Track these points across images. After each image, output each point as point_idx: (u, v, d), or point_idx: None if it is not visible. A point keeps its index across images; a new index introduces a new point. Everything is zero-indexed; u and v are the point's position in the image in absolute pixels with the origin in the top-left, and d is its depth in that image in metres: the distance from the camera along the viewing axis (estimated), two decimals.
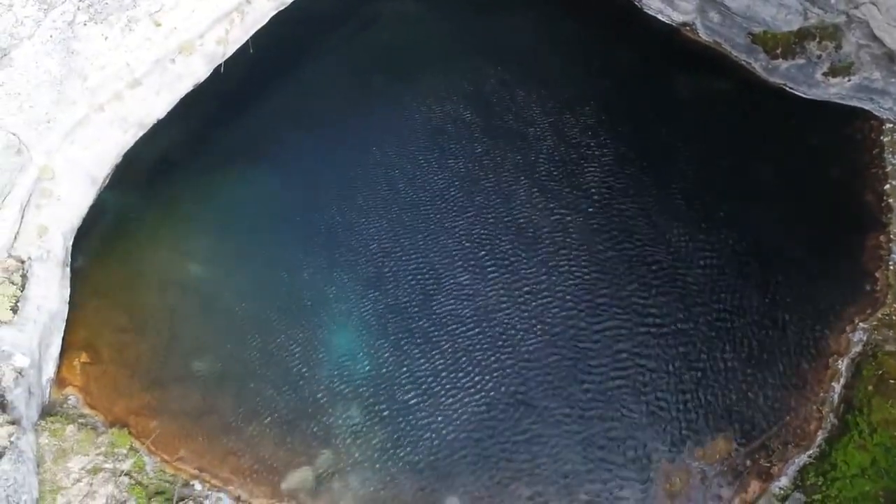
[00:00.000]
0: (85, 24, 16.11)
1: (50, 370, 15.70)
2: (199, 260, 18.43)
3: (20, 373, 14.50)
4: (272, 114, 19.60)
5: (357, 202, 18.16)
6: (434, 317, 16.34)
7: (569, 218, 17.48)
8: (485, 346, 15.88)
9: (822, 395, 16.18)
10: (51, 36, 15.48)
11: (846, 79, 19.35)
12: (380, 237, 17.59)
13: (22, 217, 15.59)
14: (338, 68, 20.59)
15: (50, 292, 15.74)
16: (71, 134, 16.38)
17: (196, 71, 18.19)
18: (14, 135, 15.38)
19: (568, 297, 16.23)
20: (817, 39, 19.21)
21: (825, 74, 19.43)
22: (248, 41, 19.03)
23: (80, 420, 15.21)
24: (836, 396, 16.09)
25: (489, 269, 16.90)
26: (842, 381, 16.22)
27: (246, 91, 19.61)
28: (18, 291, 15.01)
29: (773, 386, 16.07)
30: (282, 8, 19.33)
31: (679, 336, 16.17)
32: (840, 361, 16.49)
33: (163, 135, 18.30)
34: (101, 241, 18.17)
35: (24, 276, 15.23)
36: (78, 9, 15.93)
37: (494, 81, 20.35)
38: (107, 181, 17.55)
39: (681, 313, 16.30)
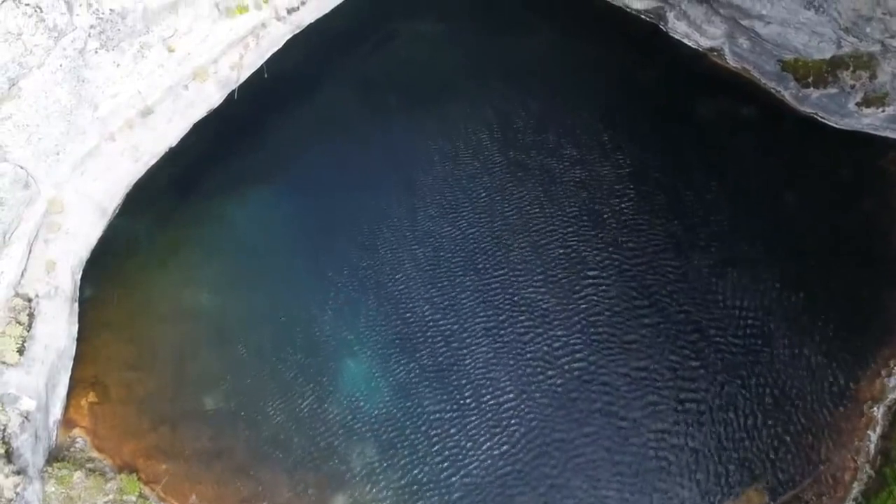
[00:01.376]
0: (96, 52, 15.56)
1: (57, 411, 15.17)
2: (210, 289, 17.86)
3: (27, 417, 13.97)
4: (286, 139, 19.04)
5: (374, 232, 17.58)
6: (455, 356, 15.70)
7: (594, 267, 16.83)
8: (509, 390, 15.28)
9: (857, 443, 15.56)
10: (61, 65, 14.90)
11: (880, 109, 18.72)
12: (399, 271, 16.97)
13: (29, 253, 15.06)
14: (353, 92, 20.02)
15: (58, 330, 15.22)
16: (81, 165, 15.88)
17: (210, 97, 17.70)
18: (22, 168, 14.83)
19: (596, 344, 15.56)
20: (851, 69, 18.57)
21: (858, 104, 18.81)
22: (262, 65, 18.55)
23: (87, 465, 14.68)
24: (872, 446, 15.48)
25: (514, 315, 16.28)
26: (878, 429, 15.59)
27: (260, 116, 19.05)
28: (25, 331, 14.47)
29: (806, 434, 15.43)
30: (297, 31, 18.84)
31: (707, 381, 15.52)
32: (875, 408, 15.87)
33: (174, 160, 17.81)
34: (111, 270, 17.55)
35: (31, 315, 14.69)
36: (89, 35, 15.35)
37: (516, 106, 19.72)
38: (117, 211, 17.05)
39: (708, 357, 15.66)
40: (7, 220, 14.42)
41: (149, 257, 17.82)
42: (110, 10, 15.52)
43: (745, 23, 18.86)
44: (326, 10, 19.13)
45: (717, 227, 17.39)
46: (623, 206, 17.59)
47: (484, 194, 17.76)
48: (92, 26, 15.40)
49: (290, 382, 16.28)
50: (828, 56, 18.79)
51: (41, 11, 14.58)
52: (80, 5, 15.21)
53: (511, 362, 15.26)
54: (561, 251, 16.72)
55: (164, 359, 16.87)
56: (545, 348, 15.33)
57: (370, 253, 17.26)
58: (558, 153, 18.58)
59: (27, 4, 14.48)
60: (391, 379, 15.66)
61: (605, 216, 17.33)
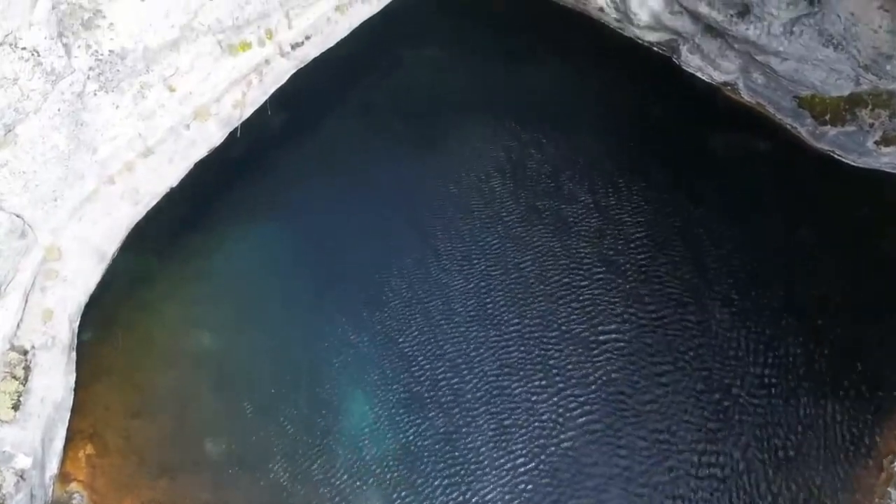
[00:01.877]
0: (95, 94, 15.12)
1: (53, 466, 14.72)
2: (213, 331, 17.38)
3: (22, 476, 13.55)
4: (290, 177, 18.57)
5: (383, 282, 17.01)
6: (468, 415, 15.13)
7: (610, 316, 16.26)
8: (524, 453, 14.75)
9: (876, 501, 15.11)
10: (59, 109, 14.46)
11: None
12: (409, 324, 16.38)
13: (25, 303, 14.65)
14: (358, 127, 19.54)
15: (55, 382, 14.78)
16: (79, 210, 15.45)
17: (211, 136, 17.26)
18: (18, 216, 14.40)
19: (614, 404, 14.93)
20: (870, 107, 18.08)
21: (877, 143, 18.30)
22: (266, 101, 18.12)
23: None
24: (892, 503, 15.03)
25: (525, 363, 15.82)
26: None
27: (263, 153, 18.61)
28: (21, 386, 14.06)
29: (821, 491, 14.97)
30: (302, 66, 18.40)
31: (728, 443, 14.96)
32: None
33: (175, 201, 17.35)
34: (110, 313, 17.10)
35: (26, 368, 14.28)
36: (88, 78, 14.91)
37: (527, 144, 19.16)
38: (116, 254, 16.62)
39: (729, 417, 15.13)
40: (3, 272, 14.01)
41: (149, 299, 17.39)
42: (109, 51, 15.11)
43: (760, 58, 18.38)
44: (331, 44, 18.70)
45: (737, 273, 16.82)
46: (640, 255, 17.02)
47: (496, 243, 17.22)
48: (91, 68, 14.98)
49: (295, 435, 15.76)
50: (846, 93, 18.29)
51: (38, 55, 14.14)
52: (79, 47, 14.80)
53: (525, 423, 14.73)
54: (576, 305, 16.18)
55: (164, 405, 16.44)
56: (560, 409, 14.79)
57: (379, 304, 16.71)
58: (573, 198, 18.04)
59: (24, 48, 14.03)
60: (401, 438, 15.16)
61: (622, 267, 16.77)
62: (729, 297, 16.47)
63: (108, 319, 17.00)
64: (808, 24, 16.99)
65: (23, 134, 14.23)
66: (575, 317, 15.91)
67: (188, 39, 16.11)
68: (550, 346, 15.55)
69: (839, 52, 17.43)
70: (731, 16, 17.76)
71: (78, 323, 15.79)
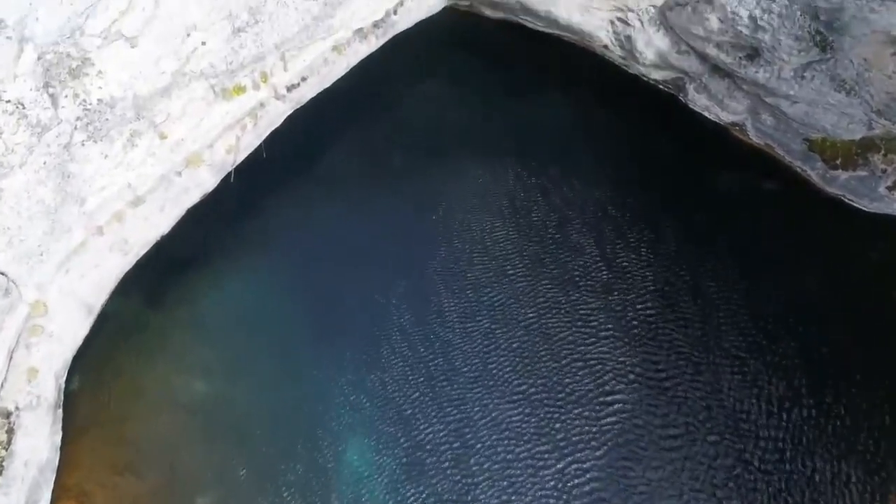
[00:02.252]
0: (83, 144, 14.65)
1: None
2: (204, 381, 16.87)
3: None
4: (284, 223, 18.04)
5: (382, 337, 16.46)
6: (470, 483, 14.54)
7: (618, 371, 15.75)
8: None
9: None
10: (44, 162, 14.01)
11: None
12: (409, 385, 15.81)
13: (10, 362, 14.19)
14: (355, 169, 18.99)
15: (39, 443, 14.31)
16: (65, 263, 14.97)
17: (204, 182, 16.79)
18: (2, 274, 13.95)
19: (623, 481, 14.31)
20: (882, 152, 17.54)
21: (890, 188, 17.75)
22: (260, 144, 17.64)
23: None
24: None
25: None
26: None
27: (257, 198, 18.07)
28: (3, 450, 13.60)
29: None
30: (298, 107, 17.91)
31: (721, 488, 14.48)
32: None
33: (166, 248, 16.90)
34: (98, 362, 16.58)
35: (10, 431, 13.82)
36: (75, 128, 14.45)
37: (532, 189, 18.61)
38: (104, 305, 16.15)
39: (744, 485, 14.52)
40: None
41: (139, 349, 16.86)
42: (98, 99, 14.65)
43: (769, 100, 17.85)
44: (328, 84, 18.20)
45: (747, 330, 16.17)
46: (648, 311, 16.42)
47: (501, 299, 16.60)
48: (78, 118, 14.51)
49: (290, 477, 15.16)
50: (857, 137, 17.76)
51: (23, 108, 13.71)
52: (66, 96, 14.34)
53: (530, 492, 14.13)
54: (583, 365, 15.56)
55: (153, 461, 15.90)
56: (566, 477, 14.09)
57: (378, 362, 16.14)
58: (579, 250, 17.46)
59: (8, 101, 13.59)
60: (401, 479, 14.48)
61: (630, 323, 16.17)
62: (740, 356, 15.87)
63: (96, 369, 16.50)
64: (819, 70, 16.47)
65: (7, 189, 13.78)
66: (581, 378, 15.31)
67: (180, 85, 15.63)
68: (556, 409, 14.95)
69: (851, 97, 16.90)
70: (740, 58, 17.25)
71: (64, 378, 15.34)
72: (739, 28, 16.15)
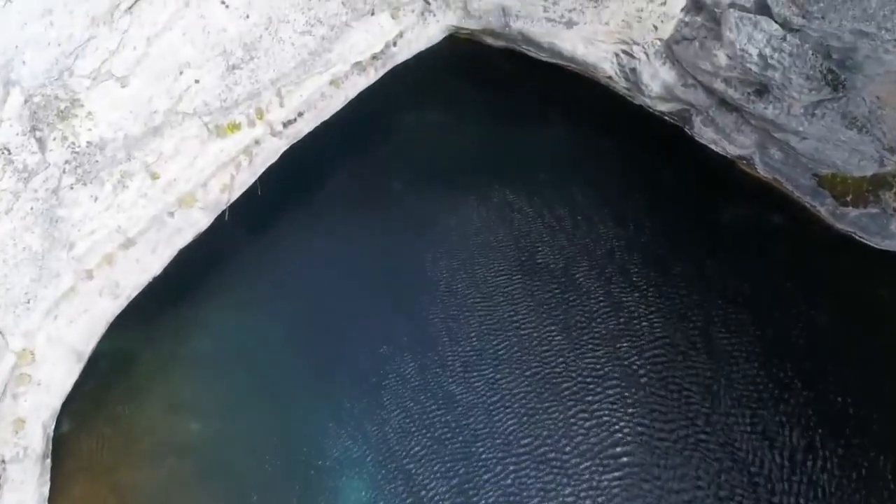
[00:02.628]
0: (72, 188, 14.24)
1: None
2: (196, 420, 16.41)
3: None
4: (280, 260, 17.51)
5: (381, 386, 15.92)
6: None
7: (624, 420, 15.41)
8: None
9: None
10: (31, 208, 13.58)
11: None
12: (411, 438, 15.24)
13: None
14: (353, 203, 18.42)
15: (27, 496, 13.87)
16: (54, 309, 14.54)
17: (197, 222, 16.36)
18: None
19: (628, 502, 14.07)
20: (894, 189, 17.08)
21: None
22: (255, 181, 17.20)
23: None
24: None
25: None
26: None
27: (252, 235, 17.58)
28: None
29: None
30: (294, 142, 17.48)
31: None
32: None
33: (158, 289, 16.45)
34: (86, 405, 16.11)
35: None
36: (63, 172, 14.03)
37: (537, 226, 18.08)
38: (94, 350, 15.72)
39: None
40: None
41: (128, 392, 16.37)
42: (87, 142, 14.24)
43: (778, 135, 17.38)
44: (326, 118, 17.77)
45: (760, 379, 15.49)
46: (657, 360, 15.78)
47: (505, 348, 16.00)
48: (67, 161, 14.11)
49: None
50: (868, 174, 17.28)
51: (9, 153, 13.27)
52: (54, 139, 13.93)
53: None
54: (589, 418, 14.93)
55: None
56: None
57: (378, 412, 15.59)
58: (587, 295, 16.87)
59: None
60: None
61: (638, 373, 15.54)
62: (751, 406, 15.32)
63: (85, 414, 16.02)
64: (830, 108, 16.00)
65: None
66: (588, 430, 14.74)
67: (173, 124, 15.24)
68: (563, 465, 14.38)
69: (863, 135, 16.42)
70: (749, 94, 16.78)
71: (52, 427, 14.92)
72: (749, 66, 15.69)
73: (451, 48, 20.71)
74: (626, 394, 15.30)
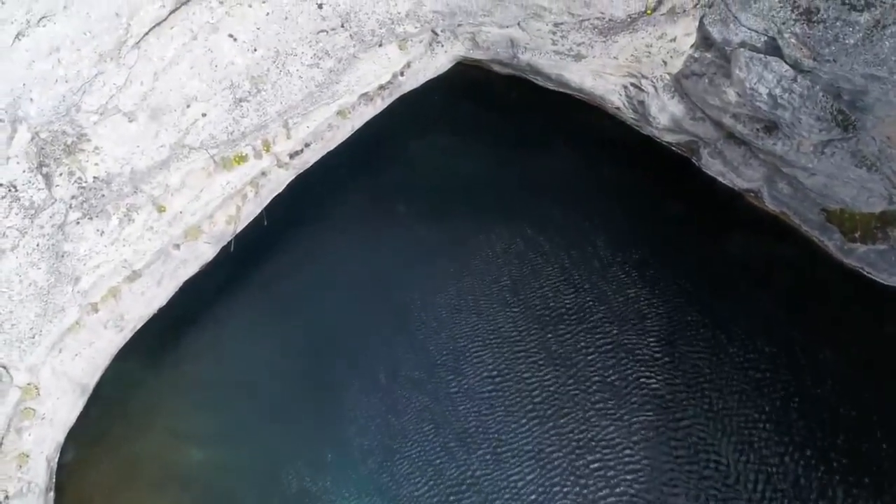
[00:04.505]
0: (78, 222, 14.22)
1: None
2: (201, 446, 16.45)
3: None
4: (286, 290, 17.45)
5: (385, 399, 16.04)
6: None
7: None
8: None
9: None
10: (37, 245, 13.56)
11: None
12: (413, 461, 15.32)
13: (0, 448, 13.82)
14: (360, 230, 18.33)
15: None
16: (58, 343, 14.54)
17: (203, 254, 16.36)
18: None
19: None
20: None
21: None
22: (262, 212, 17.18)
23: None
24: None
25: None
26: None
27: (257, 266, 17.53)
28: None
29: None
30: (301, 172, 17.44)
31: None
32: None
33: (162, 321, 16.50)
34: (90, 436, 16.12)
35: None
36: (70, 207, 13.99)
37: (544, 252, 18.10)
38: (98, 383, 15.72)
39: None
40: None
41: (132, 422, 16.36)
42: (94, 177, 14.20)
43: (786, 170, 17.26)
44: (333, 147, 17.73)
45: (770, 439, 15.50)
46: (668, 409, 15.67)
47: (511, 392, 15.84)
48: (73, 197, 14.05)
49: None
50: (877, 210, 17.15)
51: (16, 190, 13.25)
52: (61, 175, 13.88)
53: None
54: (600, 466, 15.10)
55: None
56: None
57: (385, 442, 15.56)
58: (596, 332, 16.73)
59: (0, 185, 13.21)
60: None
61: (646, 427, 15.45)
62: (764, 470, 15.21)
63: (89, 445, 16.04)
64: (840, 147, 15.88)
65: None
66: (596, 483, 14.79)
67: (179, 157, 15.19)
68: None
69: (873, 173, 16.29)
70: (758, 130, 16.66)
71: (56, 461, 14.95)
72: (758, 104, 15.56)
73: (458, 73, 20.62)
74: (630, 441, 15.20)
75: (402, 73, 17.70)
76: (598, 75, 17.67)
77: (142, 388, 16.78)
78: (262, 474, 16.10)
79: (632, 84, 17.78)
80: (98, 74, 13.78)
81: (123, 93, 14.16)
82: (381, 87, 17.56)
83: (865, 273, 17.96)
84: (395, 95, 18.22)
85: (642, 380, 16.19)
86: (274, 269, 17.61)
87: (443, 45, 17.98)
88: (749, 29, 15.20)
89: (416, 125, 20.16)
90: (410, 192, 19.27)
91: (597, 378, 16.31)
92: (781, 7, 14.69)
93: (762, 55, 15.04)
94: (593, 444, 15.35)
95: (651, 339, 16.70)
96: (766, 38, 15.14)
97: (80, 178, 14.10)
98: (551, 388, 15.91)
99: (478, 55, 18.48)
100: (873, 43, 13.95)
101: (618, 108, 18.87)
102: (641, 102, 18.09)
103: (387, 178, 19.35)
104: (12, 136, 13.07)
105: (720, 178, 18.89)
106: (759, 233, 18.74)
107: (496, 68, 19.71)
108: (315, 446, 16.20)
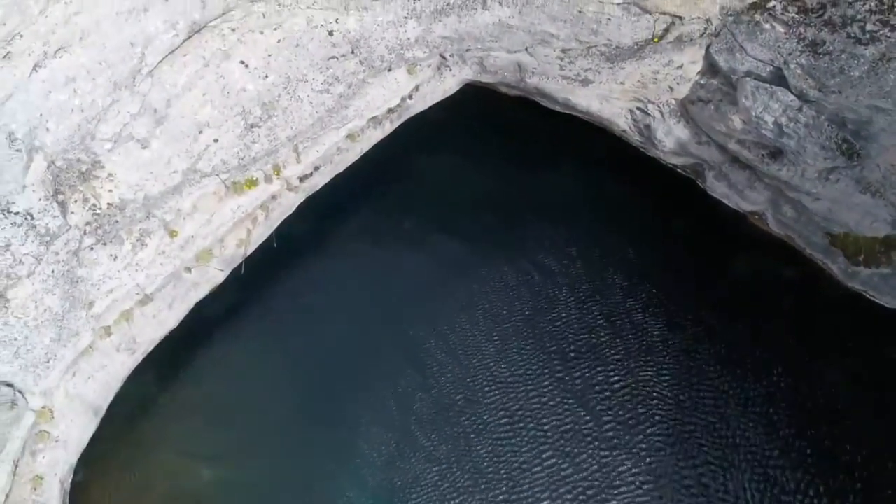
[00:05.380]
0: (92, 248, 14.43)
1: None
2: (212, 465, 16.59)
3: None
4: (294, 311, 17.64)
5: (394, 428, 16.22)
6: None
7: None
8: None
9: None
10: (52, 271, 13.76)
11: None
12: (423, 493, 15.60)
13: (15, 472, 14.00)
14: (368, 251, 18.50)
15: None
16: (72, 367, 14.75)
17: (213, 277, 16.56)
18: (9, 385, 13.76)
19: None
20: None
21: None
22: (272, 234, 17.38)
23: None
24: None
25: None
26: None
27: (267, 287, 17.73)
28: None
29: None
30: (310, 194, 17.64)
31: None
32: None
33: (174, 340, 16.70)
34: (101, 456, 16.31)
35: None
36: (84, 233, 14.21)
37: (553, 274, 18.32)
38: (110, 404, 15.92)
39: None
40: None
41: (143, 440, 16.55)
42: (108, 203, 14.41)
43: (791, 194, 17.42)
44: (341, 170, 17.93)
45: (769, 442, 15.79)
46: (681, 438, 15.83)
47: (523, 423, 15.90)
48: (88, 223, 14.27)
49: None
50: (881, 235, 17.29)
51: (32, 218, 13.45)
52: (75, 202, 14.10)
53: None
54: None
55: None
56: None
57: (396, 463, 15.68)
58: (603, 361, 16.86)
59: (16, 213, 13.33)
60: None
61: (652, 446, 15.75)
62: (758, 466, 15.51)
63: (100, 464, 16.26)
64: (845, 174, 16.04)
65: (14, 299, 13.55)
66: None
67: (191, 182, 15.38)
68: None
69: (877, 199, 16.44)
70: (763, 156, 16.83)
71: (70, 483, 15.15)
72: (764, 132, 15.73)
73: (466, 95, 20.80)
74: (646, 478, 15.38)
75: (410, 97, 17.89)
76: (604, 99, 17.85)
77: (153, 409, 17.03)
78: (270, 495, 16.30)
79: (638, 108, 17.95)
80: (113, 103, 14.00)
81: (137, 120, 14.38)
82: (390, 111, 17.75)
83: (869, 296, 18.09)
84: (404, 118, 18.41)
85: (657, 416, 16.38)
86: (283, 292, 17.81)
87: (451, 69, 18.17)
88: (755, 59, 15.38)
89: (425, 147, 20.35)
90: (419, 214, 19.42)
91: (600, 403, 16.55)
92: (787, 39, 14.87)
93: (768, 85, 15.21)
94: (610, 488, 15.48)
95: (665, 375, 16.87)
96: (771, 67, 15.31)
97: (94, 205, 14.32)
98: (566, 420, 16.13)
99: (486, 79, 18.67)
100: (878, 76, 14.11)
101: (624, 131, 19.04)
102: (647, 126, 18.26)
103: (395, 199, 19.55)
104: (28, 164, 13.29)
105: (725, 201, 19.06)
106: (764, 255, 18.87)
107: (504, 90, 19.89)
108: (324, 470, 16.40)
